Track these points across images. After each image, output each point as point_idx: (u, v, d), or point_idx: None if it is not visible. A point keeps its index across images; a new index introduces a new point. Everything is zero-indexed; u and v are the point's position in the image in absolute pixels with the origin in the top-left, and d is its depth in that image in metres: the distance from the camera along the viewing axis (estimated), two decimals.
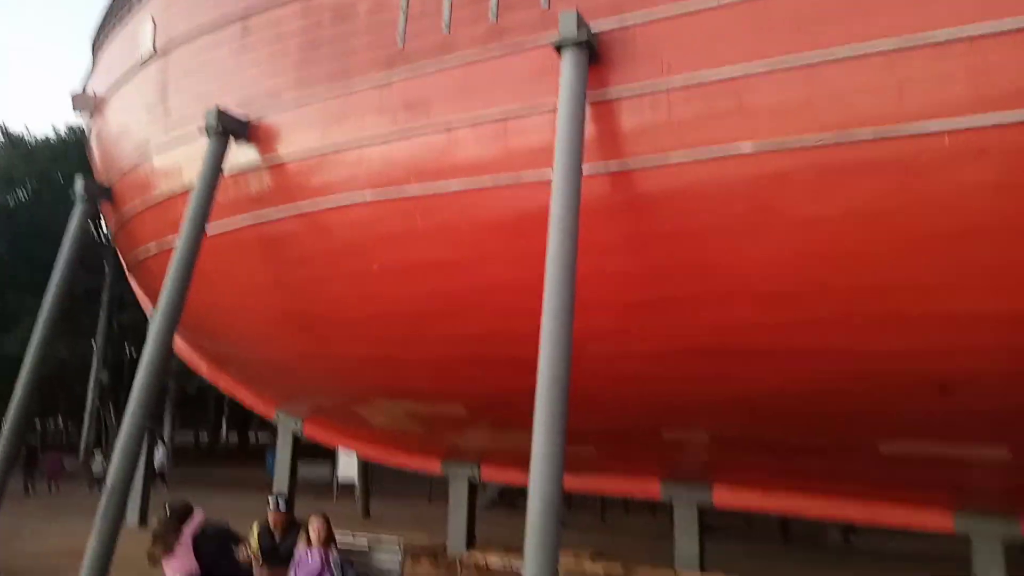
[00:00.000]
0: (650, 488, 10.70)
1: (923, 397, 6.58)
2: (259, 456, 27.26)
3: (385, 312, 8.38)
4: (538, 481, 5.05)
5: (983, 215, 5.47)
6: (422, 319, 8.16)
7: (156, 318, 7.90)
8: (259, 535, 6.01)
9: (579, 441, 8.51)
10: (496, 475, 11.88)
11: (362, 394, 10.43)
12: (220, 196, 8.51)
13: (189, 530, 5.89)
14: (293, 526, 5.98)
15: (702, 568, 9.98)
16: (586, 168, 6.22)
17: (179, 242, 8.11)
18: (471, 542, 11.45)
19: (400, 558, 5.98)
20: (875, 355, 6.44)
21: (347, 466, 17.59)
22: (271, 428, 21.52)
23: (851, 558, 12.57)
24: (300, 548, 5.69)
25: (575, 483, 10.91)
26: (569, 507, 16.33)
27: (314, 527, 5.71)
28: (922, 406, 6.74)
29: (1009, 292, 5.65)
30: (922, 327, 6.06)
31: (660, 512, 11.72)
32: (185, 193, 8.90)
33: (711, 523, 13.54)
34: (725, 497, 10.02)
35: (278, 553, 5.84)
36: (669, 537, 10.34)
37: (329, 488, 19.41)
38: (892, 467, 8.05)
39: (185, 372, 18.55)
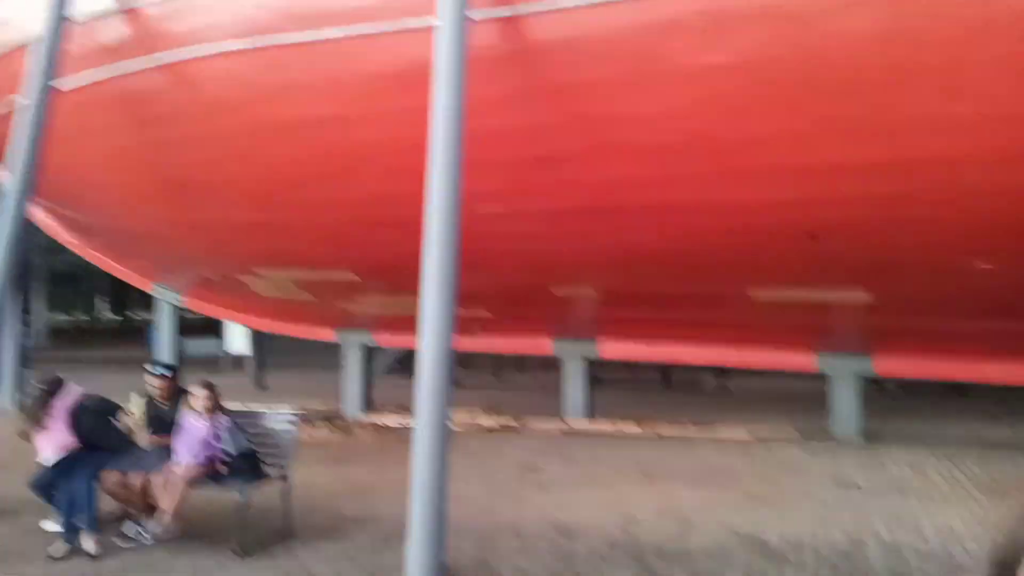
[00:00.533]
0: (542, 345, 11.07)
1: (794, 246, 6.93)
2: (142, 334, 26.29)
3: (262, 174, 7.94)
4: (428, 339, 5.04)
5: (862, 65, 5.58)
6: (303, 180, 7.79)
7: (7, 188, 7.20)
8: (144, 404, 5.83)
9: (472, 303, 8.60)
10: (392, 340, 11.94)
11: (244, 263, 10.06)
12: (72, 47, 7.61)
13: (62, 404, 5.61)
14: (178, 394, 5.81)
15: (590, 416, 10.56)
16: (474, 15, 5.89)
17: (28, 100, 7.28)
18: (369, 406, 11.62)
19: (296, 424, 5.94)
20: (752, 207, 6.67)
21: (237, 339, 17.21)
22: (154, 304, 20.62)
23: (726, 399, 13.62)
24: (185, 416, 5.55)
25: (469, 344, 11.13)
26: (464, 367, 16.74)
27: (198, 395, 5.55)
28: (792, 255, 7.13)
29: (878, 141, 5.89)
30: (797, 178, 6.29)
31: (552, 368, 12.17)
32: (29, 44, 7.91)
33: (600, 376, 14.24)
34: (610, 349, 10.50)
35: (163, 421, 5.70)
36: (560, 391, 10.84)
37: (219, 363, 19.06)
38: (763, 314, 8.58)
39: (56, 248, 17.28)
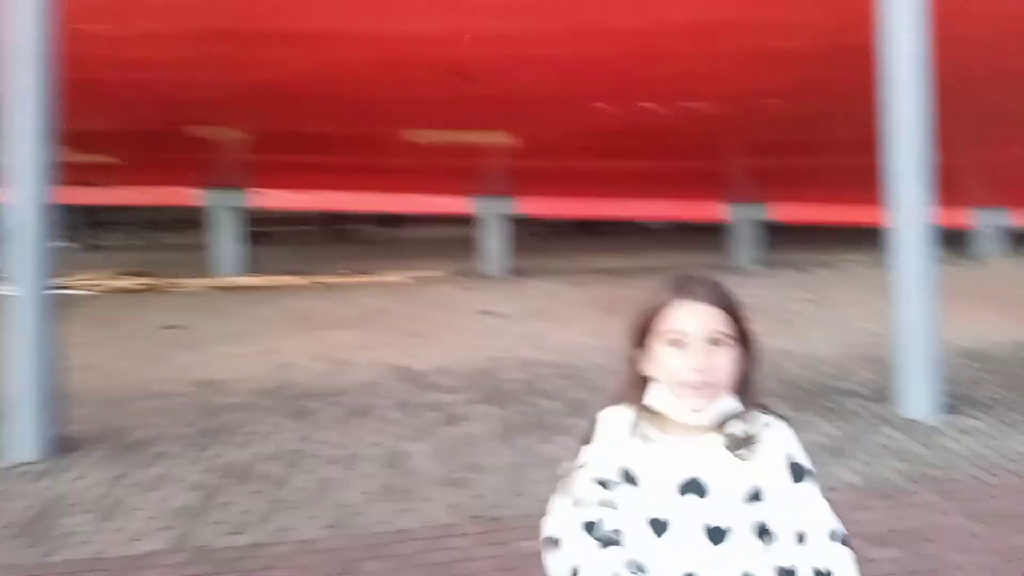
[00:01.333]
0: (188, 196, 10.09)
1: (441, 83, 6.94)
2: None
3: None
4: (20, 189, 4.17)
5: None
6: None
7: None
8: None
9: (90, 147, 7.39)
10: None
11: None
12: None
13: None
14: None
15: (247, 272, 10.02)
16: None
17: None
18: None
19: None
20: (402, 39, 6.46)
21: None
22: None
23: (391, 248, 13.84)
24: None
25: (101, 196, 9.76)
26: (101, 227, 14.80)
27: None
28: (441, 93, 7.15)
29: None
30: (441, 11, 6.18)
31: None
32: None
33: (262, 231, 13.51)
34: (267, 199, 9.93)
35: None
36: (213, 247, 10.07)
37: None
38: (420, 158, 8.66)
39: None
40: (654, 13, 6.07)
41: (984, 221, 10.25)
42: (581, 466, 1.34)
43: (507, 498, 3.55)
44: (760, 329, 1.29)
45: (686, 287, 1.26)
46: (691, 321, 1.24)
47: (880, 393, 4.84)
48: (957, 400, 4.70)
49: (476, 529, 3.24)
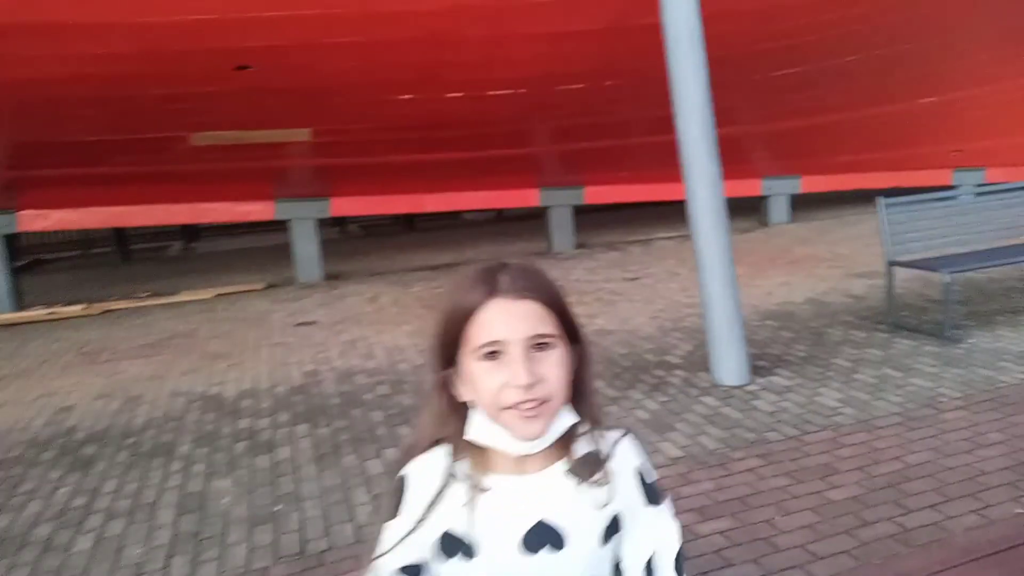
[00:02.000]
0: None
1: (223, 76, 6.35)
2: None
3: None
4: None
5: None
6: None
7: None
8: None
9: None
10: None
11: None
12: None
13: None
14: None
15: (16, 306, 8.77)
16: None
17: None
18: None
19: None
20: (170, 28, 5.81)
21: None
22: None
23: (193, 262, 12.81)
24: None
25: None
26: None
27: None
28: (223, 87, 6.55)
29: None
30: None
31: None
32: None
33: (40, 257, 12.12)
34: (32, 220, 8.76)
35: None
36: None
37: None
38: (211, 161, 7.94)
39: None
40: None
41: (773, 189, 11.01)
42: (384, 552, 1.02)
43: (327, 528, 3.22)
44: (583, 312, 1.08)
45: (493, 283, 0.98)
46: (506, 325, 0.95)
47: (697, 364, 4.95)
48: (767, 362, 4.90)
49: (288, 571, 2.88)
